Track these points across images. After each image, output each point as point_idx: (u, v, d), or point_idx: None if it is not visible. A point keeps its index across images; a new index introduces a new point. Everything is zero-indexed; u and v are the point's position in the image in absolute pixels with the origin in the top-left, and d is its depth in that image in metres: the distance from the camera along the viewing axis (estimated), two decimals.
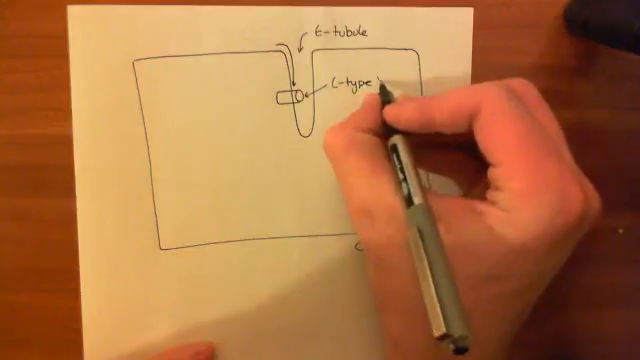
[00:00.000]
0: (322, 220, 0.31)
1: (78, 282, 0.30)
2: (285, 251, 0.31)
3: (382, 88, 0.28)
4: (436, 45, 0.30)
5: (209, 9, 0.29)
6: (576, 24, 0.30)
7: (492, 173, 0.22)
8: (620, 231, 0.33)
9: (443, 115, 0.23)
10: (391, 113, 0.25)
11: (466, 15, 0.30)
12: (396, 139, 0.24)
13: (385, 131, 0.25)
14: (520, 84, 0.24)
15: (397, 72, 0.30)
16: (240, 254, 0.30)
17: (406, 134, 0.24)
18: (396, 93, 0.28)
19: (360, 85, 0.30)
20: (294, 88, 0.30)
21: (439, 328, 0.18)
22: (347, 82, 0.30)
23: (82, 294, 0.30)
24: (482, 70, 0.30)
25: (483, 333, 0.22)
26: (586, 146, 0.32)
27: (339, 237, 0.31)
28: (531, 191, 0.20)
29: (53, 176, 0.30)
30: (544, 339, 0.33)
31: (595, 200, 0.22)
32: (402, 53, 0.30)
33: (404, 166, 0.22)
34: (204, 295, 0.30)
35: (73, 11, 0.28)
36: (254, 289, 0.31)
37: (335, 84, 0.30)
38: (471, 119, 0.22)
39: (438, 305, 0.18)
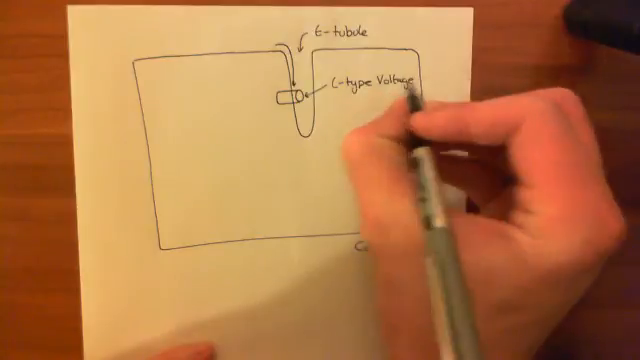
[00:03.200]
0: (322, 220, 0.31)
1: (78, 282, 0.30)
2: (285, 251, 0.31)
3: (411, 93, 0.25)
4: (436, 45, 0.30)
5: (209, 9, 0.29)
6: (576, 24, 0.30)
7: (523, 194, 0.20)
8: None
9: (480, 127, 0.21)
10: (421, 122, 0.22)
11: (466, 15, 0.30)
12: (421, 151, 0.22)
13: (410, 140, 0.23)
14: (566, 98, 0.22)
15: (397, 72, 0.30)
16: (240, 254, 0.30)
17: (433, 144, 0.22)
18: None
19: (360, 85, 0.30)
20: (294, 88, 0.30)
21: None
22: (347, 82, 0.30)
23: (82, 294, 0.30)
24: (482, 70, 0.30)
25: None
26: None
27: (339, 237, 0.31)
28: (566, 218, 0.19)
29: (53, 176, 0.30)
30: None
31: (625, 229, 0.21)
32: (402, 53, 0.30)
33: (426, 183, 0.21)
34: (204, 295, 0.30)
35: (73, 11, 0.28)
36: (254, 289, 0.31)
37: (335, 84, 0.30)
38: (509, 133, 0.20)
39: (452, 344, 0.17)
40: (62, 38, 0.28)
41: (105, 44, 0.29)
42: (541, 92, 0.22)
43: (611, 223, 0.19)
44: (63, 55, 0.28)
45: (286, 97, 0.30)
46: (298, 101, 0.30)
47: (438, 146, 0.23)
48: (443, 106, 0.22)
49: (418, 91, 0.25)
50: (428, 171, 0.21)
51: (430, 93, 0.30)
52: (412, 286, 0.20)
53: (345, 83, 0.30)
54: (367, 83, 0.30)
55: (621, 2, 0.27)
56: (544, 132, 0.20)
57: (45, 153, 0.30)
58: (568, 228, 0.19)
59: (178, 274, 0.30)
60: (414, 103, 0.24)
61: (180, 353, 0.30)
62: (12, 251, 0.30)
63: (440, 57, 0.30)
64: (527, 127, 0.20)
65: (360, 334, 0.31)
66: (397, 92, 0.30)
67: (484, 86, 0.30)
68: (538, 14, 0.30)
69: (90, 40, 0.29)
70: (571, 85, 0.31)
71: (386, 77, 0.30)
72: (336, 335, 0.31)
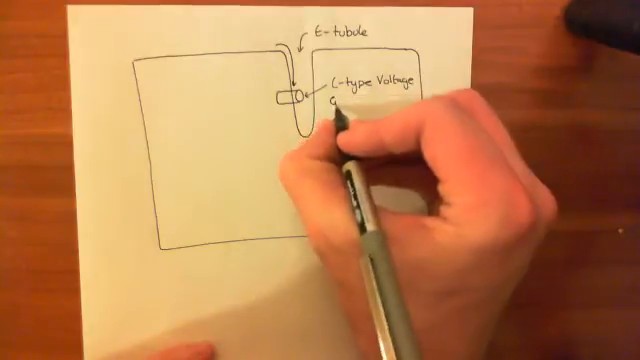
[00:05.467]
0: None
1: (78, 282, 0.30)
2: (285, 251, 0.31)
3: (337, 113, 0.27)
4: (436, 45, 0.30)
5: (209, 9, 0.29)
6: (576, 24, 0.30)
7: (441, 188, 0.22)
8: (620, 231, 0.33)
9: (391, 136, 0.23)
10: (342, 139, 0.24)
11: (466, 15, 0.30)
12: (349, 165, 0.24)
13: (339, 157, 0.25)
14: (466, 95, 0.24)
15: (397, 72, 0.30)
16: (240, 254, 0.30)
17: (360, 159, 0.24)
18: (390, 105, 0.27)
19: (360, 85, 0.30)
20: (294, 88, 0.30)
21: (390, 359, 0.18)
22: (347, 82, 0.30)
23: (82, 294, 0.30)
24: (482, 70, 0.30)
25: (450, 348, 0.23)
26: (586, 146, 0.32)
27: None
28: (477, 205, 0.20)
29: (53, 176, 0.30)
30: (544, 339, 0.33)
31: (546, 207, 0.22)
32: (402, 53, 0.30)
33: (357, 192, 0.22)
34: (204, 295, 0.30)
35: (73, 11, 0.28)
36: (254, 289, 0.31)
37: (335, 84, 0.30)
38: (418, 136, 0.22)
39: (389, 335, 0.18)
40: (62, 38, 0.28)
41: (105, 44, 0.29)
42: (442, 95, 0.23)
43: (522, 204, 0.21)
44: (63, 55, 0.29)
45: (286, 97, 0.30)
46: (298, 101, 0.30)
47: (383, 158, 0.24)
48: (363, 123, 0.24)
49: (343, 112, 0.27)
50: (357, 181, 0.23)
51: (430, 93, 0.30)
52: (360, 289, 0.22)
53: (345, 83, 0.30)
54: (367, 83, 0.30)
55: (621, 2, 0.27)
56: (443, 128, 0.21)
57: (45, 153, 0.30)
58: (481, 215, 0.20)
59: (178, 274, 0.30)
60: (340, 123, 0.26)
61: (180, 353, 0.30)
62: (12, 251, 0.30)
63: (440, 57, 0.30)
64: (428, 127, 0.22)
65: None
66: (397, 92, 0.30)
67: (484, 86, 0.30)
68: (538, 14, 0.30)
69: (90, 40, 0.29)
70: (571, 85, 0.32)
71: (386, 77, 0.30)
72: (336, 335, 0.31)
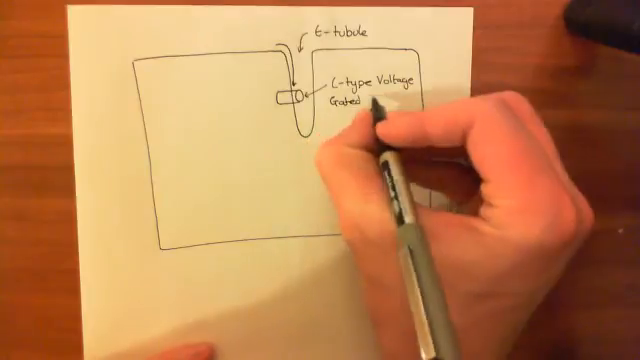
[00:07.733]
0: (323, 220, 0.31)
1: (78, 282, 0.30)
2: (286, 251, 0.31)
3: (374, 103, 0.27)
4: (436, 45, 0.30)
5: (209, 9, 0.29)
6: (576, 24, 0.30)
7: (485, 189, 0.21)
8: (620, 231, 0.33)
9: (437, 129, 0.22)
10: (383, 129, 0.24)
11: (466, 15, 0.30)
12: (387, 155, 0.23)
13: (377, 147, 0.24)
14: (513, 98, 0.24)
15: (397, 72, 0.30)
16: (240, 254, 0.30)
17: (398, 150, 0.24)
18: (391, 104, 0.27)
19: (360, 85, 0.30)
20: (294, 88, 0.30)
21: (429, 352, 0.18)
22: (347, 82, 0.30)
23: (82, 294, 0.30)
24: (482, 70, 0.30)
25: (478, 350, 0.22)
26: (586, 146, 0.32)
27: (340, 237, 0.31)
28: (523, 209, 0.20)
29: (53, 176, 0.30)
30: (544, 339, 0.33)
31: (588, 216, 0.22)
32: (402, 53, 0.30)
33: (395, 183, 0.22)
34: (204, 295, 0.30)
35: (73, 11, 0.28)
36: (254, 289, 0.31)
37: (335, 84, 0.30)
38: (464, 133, 0.22)
39: (428, 328, 0.18)
40: (62, 38, 0.28)
41: (105, 44, 0.29)
42: (491, 95, 0.23)
43: (568, 211, 0.20)
44: (63, 55, 0.29)
45: (286, 97, 0.30)
46: (298, 101, 0.30)
47: (417, 153, 0.24)
48: (404, 114, 0.24)
49: (380, 103, 0.27)
50: (395, 172, 0.23)
51: (430, 93, 0.30)
52: (391, 284, 0.22)
53: (345, 83, 0.30)
54: (367, 83, 0.30)
55: (621, 2, 0.27)
56: (494, 129, 0.21)
57: (45, 153, 0.30)
58: (526, 219, 0.20)
59: (178, 274, 0.30)
60: (378, 113, 0.26)
61: (180, 353, 0.30)
62: (12, 251, 0.30)
63: (440, 57, 0.30)
64: (478, 126, 0.21)
65: (360, 334, 0.31)
66: (397, 92, 0.30)
67: (484, 86, 0.30)
68: (538, 14, 0.30)
69: (90, 40, 0.29)
70: (571, 85, 0.32)
71: (386, 77, 0.30)
72: (337, 335, 0.31)
